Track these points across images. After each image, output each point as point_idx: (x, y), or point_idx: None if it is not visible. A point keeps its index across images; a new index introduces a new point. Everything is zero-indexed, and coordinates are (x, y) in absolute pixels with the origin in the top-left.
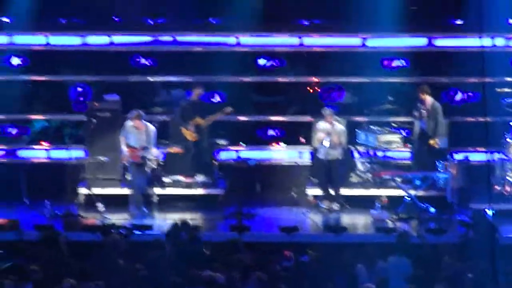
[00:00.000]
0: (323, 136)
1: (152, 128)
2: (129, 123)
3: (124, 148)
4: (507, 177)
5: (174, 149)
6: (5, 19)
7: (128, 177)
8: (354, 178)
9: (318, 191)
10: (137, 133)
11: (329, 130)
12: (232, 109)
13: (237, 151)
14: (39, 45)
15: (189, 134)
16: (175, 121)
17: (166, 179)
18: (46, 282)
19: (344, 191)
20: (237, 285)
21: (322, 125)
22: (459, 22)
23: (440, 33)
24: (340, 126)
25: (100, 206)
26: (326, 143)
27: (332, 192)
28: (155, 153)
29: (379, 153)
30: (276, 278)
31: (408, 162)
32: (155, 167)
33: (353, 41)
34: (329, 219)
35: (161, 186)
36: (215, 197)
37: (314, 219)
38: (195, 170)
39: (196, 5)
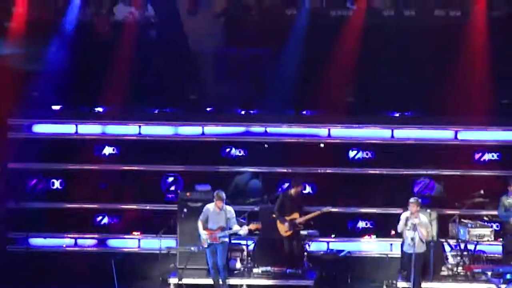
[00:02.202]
0: (402, 225)
1: (230, 208)
2: (210, 206)
3: (202, 231)
4: None
5: (254, 226)
6: (98, 109)
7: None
8: (445, 271)
9: (407, 284)
10: (217, 214)
11: (413, 221)
12: (331, 209)
13: (327, 242)
14: (131, 135)
15: (283, 229)
16: (266, 210)
17: (255, 270)
18: None
19: (435, 285)
20: None
21: (404, 214)
22: None
23: None
24: (424, 218)
25: None
26: (409, 235)
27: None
28: (246, 232)
29: (470, 246)
30: None
31: (499, 256)
32: (244, 257)
33: (445, 133)
34: None
35: (250, 276)
36: None
37: None
38: (286, 261)
39: (288, 97)
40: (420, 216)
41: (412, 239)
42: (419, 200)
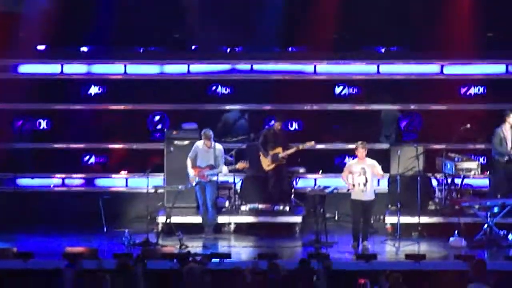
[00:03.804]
0: (346, 173)
1: (219, 146)
2: (199, 143)
3: (190, 170)
4: None
5: (241, 165)
6: (83, 49)
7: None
8: (432, 206)
9: (395, 219)
10: (205, 152)
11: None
12: (313, 143)
13: (315, 179)
14: (117, 74)
15: (266, 162)
16: (253, 148)
17: (243, 207)
18: None
19: (423, 219)
20: None
21: (350, 162)
22: None
23: None
24: (371, 161)
25: (178, 234)
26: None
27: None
28: (223, 171)
29: (457, 181)
30: None
31: (486, 189)
32: (232, 195)
33: (430, 68)
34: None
35: (238, 213)
36: (293, 225)
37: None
38: (273, 198)
39: (273, 34)
40: (367, 159)
41: (365, 184)
42: (365, 143)
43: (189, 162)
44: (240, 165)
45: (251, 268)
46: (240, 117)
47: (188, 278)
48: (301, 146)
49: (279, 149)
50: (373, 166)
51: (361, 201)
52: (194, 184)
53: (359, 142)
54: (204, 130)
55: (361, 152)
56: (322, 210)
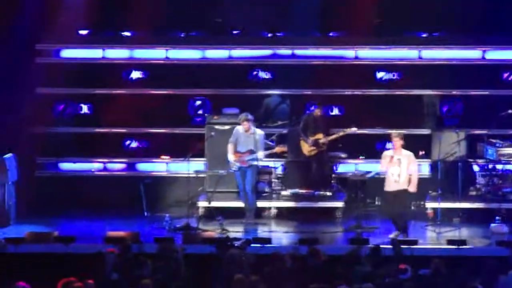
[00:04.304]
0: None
1: (260, 132)
2: (239, 128)
3: (230, 156)
4: None
5: (280, 149)
6: (125, 33)
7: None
8: (473, 192)
9: (436, 204)
10: (246, 137)
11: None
12: (355, 129)
13: (356, 164)
14: (159, 59)
15: (307, 148)
16: (294, 132)
17: (284, 192)
18: None
19: (464, 205)
20: None
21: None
22: None
23: None
24: (407, 152)
25: (219, 219)
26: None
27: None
28: (259, 156)
29: (499, 166)
30: None
31: None
32: (273, 180)
33: (472, 53)
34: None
35: (279, 198)
36: (334, 210)
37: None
38: (314, 183)
39: (314, 19)
40: (403, 151)
41: (399, 175)
42: (402, 132)
43: (229, 147)
44: (278, 149)
45: (291, 253)
46: (281, 102)
47: (229, 263)
48: (342, 133)
49: (319, 135)
50: (409, 156)
51: (393, 192)
52: (234, 169)
53: (394, 132)
54: (242, 114)
55: (396, 142)
56: (363, 195)
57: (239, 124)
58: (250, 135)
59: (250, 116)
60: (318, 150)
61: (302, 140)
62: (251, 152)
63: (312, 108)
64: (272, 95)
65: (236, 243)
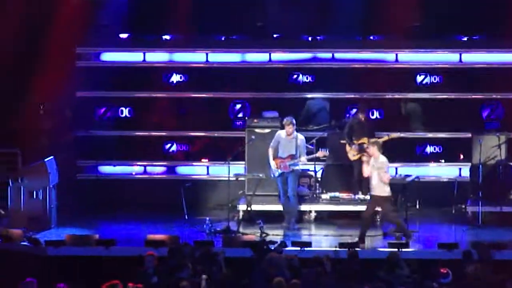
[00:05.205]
0: None
1: (301, 137)
2: (281, 132)
3: (272, 162)
4: None
5: (321, 153)
6: (165, 37)
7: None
8: None
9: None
10: (288, 142)
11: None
12: (400, 135)
13: (396, 167)
14: (199, 62)
15: (352, 152)
16: (334, 136)
17: (324, 195)
18: None
19: (504, 208)
20: None
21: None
22: None
23: None
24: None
25: (259, 222)
26: None
27: None
28: (302, 160)
29: None
30: None
31: None
32: (313, 183)
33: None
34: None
35: (318, 202)
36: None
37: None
38: (354, 186)
39: (355, 23)
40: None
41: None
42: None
43: (270, 152)
44: (320, 153)
45: (331, 257)
46: (322, 105)
47: (269, 266)
48: (387, 137)
49: (364, 139)
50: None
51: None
52: (276, 175)
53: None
54: (286, 118)
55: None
56: (403, 199)
57: (279, 127)
58: (291, 140)
59: (293, 120)
60: (362, 155)
61: (347, 144)
62: (293, 157)
63: (353, 111)
64: (314, 98)
65: (272, 246)
